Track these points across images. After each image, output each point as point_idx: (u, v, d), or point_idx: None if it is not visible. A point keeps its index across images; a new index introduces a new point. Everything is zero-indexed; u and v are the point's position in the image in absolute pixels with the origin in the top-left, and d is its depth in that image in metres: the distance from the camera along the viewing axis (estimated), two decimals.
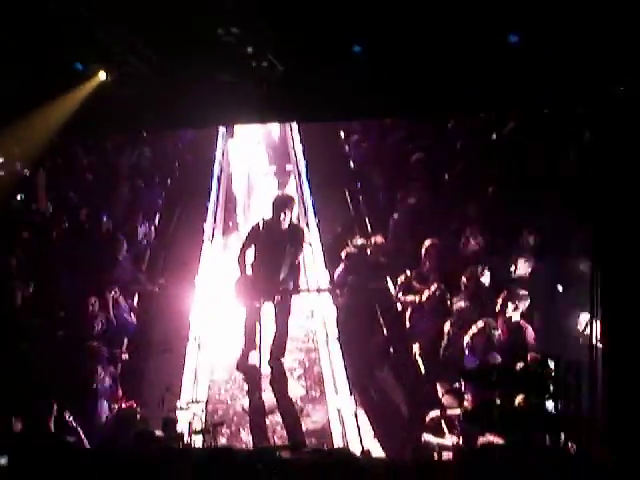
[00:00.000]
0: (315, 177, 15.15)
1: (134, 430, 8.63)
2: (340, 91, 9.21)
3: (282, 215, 10.62)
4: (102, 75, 9.62)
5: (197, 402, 9.58)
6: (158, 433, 8.46)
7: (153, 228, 13.91)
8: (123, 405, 9.65)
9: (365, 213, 13.85)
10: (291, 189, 15.78)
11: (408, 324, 10.87)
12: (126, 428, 8.84)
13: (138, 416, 8.96)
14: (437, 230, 11.74)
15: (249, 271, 10.83)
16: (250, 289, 10.81)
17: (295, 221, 11.29)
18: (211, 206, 14.82)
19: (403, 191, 12.88)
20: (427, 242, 11.28)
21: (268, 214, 10.86)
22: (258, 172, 16.62)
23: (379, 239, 12.14)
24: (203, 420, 9.13)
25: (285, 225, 10.68)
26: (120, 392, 10.12)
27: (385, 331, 11.29)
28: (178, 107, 9.75)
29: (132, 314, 11.63)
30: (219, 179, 15.74)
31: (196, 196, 14.37)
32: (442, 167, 13.18)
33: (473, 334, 9.60)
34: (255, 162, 16.79)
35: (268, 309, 10.99)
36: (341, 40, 8.78)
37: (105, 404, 9.62)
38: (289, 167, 16.65)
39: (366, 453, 8.90)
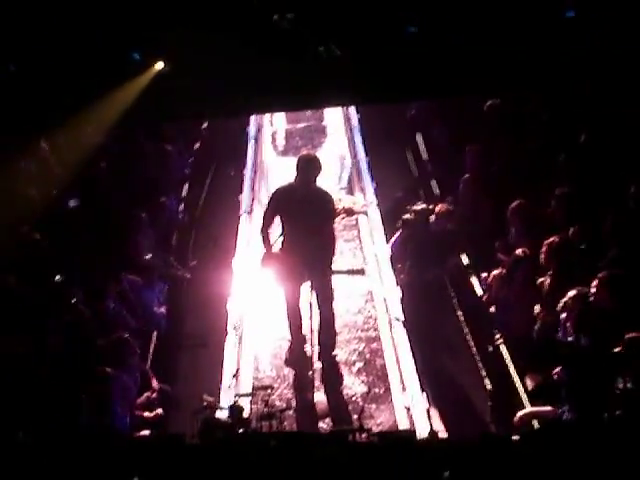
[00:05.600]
0: (370, 133, 14.86)
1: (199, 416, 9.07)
2: (398, 72, 10.48)
3: (309, 178, 10.50)
4: (159, 65, 10.95)
5: (265, 388, 10.09)
6: (223, 419, 9.10)
7: (180, 202, 13.70)
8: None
9: (431, 174, 13.51)
10: (342, 147, 15.37)
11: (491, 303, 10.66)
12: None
13: (205, 403, 9.37)
14: (519, 190, 11.36)
15: (277, 246, 10.77)
16: (282, 268, 10.70)
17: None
18: (248, 173, 14.60)
19: (474, 145, 12.56)
20: (514, 204, 11.00)
21: (291, 177, 10.75)
22: (300, 130, 16.26)
23: (446, 204, 11.91)
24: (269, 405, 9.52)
25: (312, 189, 10.55)
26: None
27: (461, 314, 11.09)
28: (234, 93, 11.01)
29: (161, 305, 11.55)
30: (256, 139, 15.48)
31: (230, 162, 13.94)
32: (523, 115, 12.84)
33: (562, 307, 9.24)
34: (296, 118, 16.43)
35: (310, 290, 10.83)
36: (396, 21, 10.45)
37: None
38: (339, 121, 16.35)
39: (434, 435, 9.08)
